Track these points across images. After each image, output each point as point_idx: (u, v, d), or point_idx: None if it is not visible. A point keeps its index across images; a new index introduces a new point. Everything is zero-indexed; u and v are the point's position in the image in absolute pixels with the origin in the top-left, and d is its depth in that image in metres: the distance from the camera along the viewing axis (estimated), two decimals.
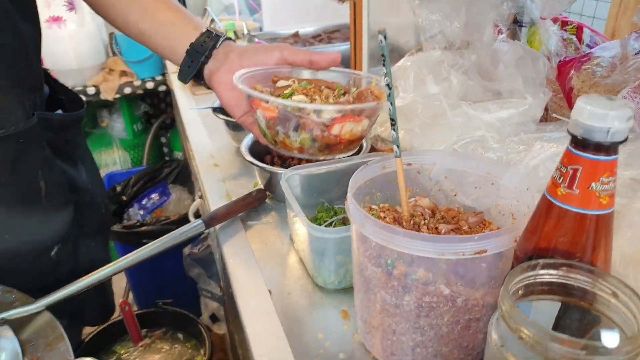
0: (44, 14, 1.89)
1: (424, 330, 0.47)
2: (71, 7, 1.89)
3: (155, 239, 1.74)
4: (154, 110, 2.38)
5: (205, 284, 1.69)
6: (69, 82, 1.91)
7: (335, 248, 0.63)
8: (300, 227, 0.74)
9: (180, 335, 1.58)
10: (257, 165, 0.84)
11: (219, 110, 1.06)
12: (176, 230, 0.75)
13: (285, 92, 0.67)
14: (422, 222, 0.54)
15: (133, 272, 1.85)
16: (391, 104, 0.52)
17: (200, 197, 1.08)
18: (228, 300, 0.93)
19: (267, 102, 0.61)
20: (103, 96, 1.89)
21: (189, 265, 1.68)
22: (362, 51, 0.95)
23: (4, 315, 0.57)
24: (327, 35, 1.69)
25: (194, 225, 0.76)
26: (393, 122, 0.53)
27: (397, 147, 0.53)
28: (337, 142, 0.62)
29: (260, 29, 1.95)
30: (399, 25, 1.37)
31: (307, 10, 1.79)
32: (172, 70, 1.65)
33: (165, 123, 2.40)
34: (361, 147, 0.87)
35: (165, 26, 0.74)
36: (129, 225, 1.66)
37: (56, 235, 0.72)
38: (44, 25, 1.91)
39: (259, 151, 0.90)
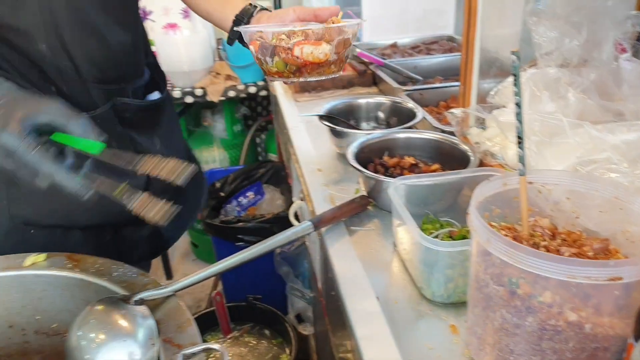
0: (161, 21, 2.06)
1: (545, 354, 0.46)
2: (186, 14, 2.04)
3: (250, 235, 1.82)
4: (252, 113, 2.50)
5: (293, 282, 1.75)
6: (179, 83, 2.06)
7: (446, 261, 0.63)
8: (406, 236, 0.75)
9: (267, 332, 1.64)
10: (362, 172, 0.87)
11: (325, 117, 1.10)
12: (288, 230, 0.79)
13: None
14: (542, 243, 0.54)
15: None
16: (519, 122, 0.52)
17: (302, 199, 1.12)
18: (326, 301, 0.96)
19: (254, 35, 0.78)
20: (209, 98, 2.01)
21: (279, 263, 1.75)
22: (472, 63, 0.94)
23: (142, 295, 0.63)
24: (426, 47, 1.69)
25: (304, 227, 0.80)
26: (520, 140, 0.53)
27: (523, 165, 0.53)
28: (303, 64, 0.75)
29: (358, 39, 1.98)
30: (503, 38, 1.34)
31: (407, 22, 1.80)
32: None
33: (260, 125, 2.51)
34: (469, 160, 0.87)
35: (221, 4, 0.92)
36: (226, 221, 1.76)
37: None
38: (160, 31, 2.08)
39: (363, 159, 0.93)
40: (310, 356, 1.68)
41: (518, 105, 0.51)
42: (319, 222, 0.82)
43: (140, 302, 0.63)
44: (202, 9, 0.98)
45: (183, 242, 2.68)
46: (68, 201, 0.88)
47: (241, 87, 2.06)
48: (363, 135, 0.96)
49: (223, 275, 2.00)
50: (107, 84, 0.87)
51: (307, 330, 1.64)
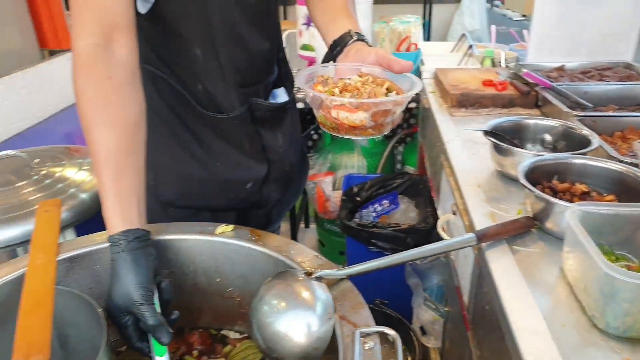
0: None
1: None
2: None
3: (384, 242, 1.85)
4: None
5: (419, 294, 1.75)
6: None
7: (627, 294, 0.61)
8: (579, 262, 0.73)
9: (391, 337, 1.66)
10: (534, 192, 0.85)
11: (490, 133, 1.09)
12: (450, 240, 0.80)
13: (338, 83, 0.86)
14: None
15: None
16: None
17: (454, 213, 1.13)
18: (473, 315, 0.95)
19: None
20: None
21: (409, 273, 1.76)
22: None
23: (320, 273, 0.70)
24: (599, 72, 1.59)
25: (467, 238, 0.81)
26: None
27: None
28: (340, 125, 0.80)
29: (518, 59, 1.92)
30: None
31: (579, 44, 1.71)
32: (430, 90, 1.74)
33: (400, 137, 2.54)
34: None
35: (330, 20, 1.01)
36: (362, 224, 1.81)
37: (252, 177, 1.07)
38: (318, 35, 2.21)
39: (530, 180, 0.91)
40: None
41: None
42: (482, 236, 0.83)
43: (319, 279, 0.69)
44: (317, 21, 1.07)
45: (310, 240, 2.80)
46: (202, 187, 1.03)
47: None
48: (534, 156, 0.94)
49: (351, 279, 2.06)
50: (245, 87, 0.99)
51: (430, 342, 1.63)
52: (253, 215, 1.14)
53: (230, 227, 0.85)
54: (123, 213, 0.74)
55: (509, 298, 0.72)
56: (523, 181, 0.87)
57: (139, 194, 0.76)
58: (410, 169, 2.39)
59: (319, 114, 0.83)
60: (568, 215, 0.73)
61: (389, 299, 1.75)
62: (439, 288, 1.68)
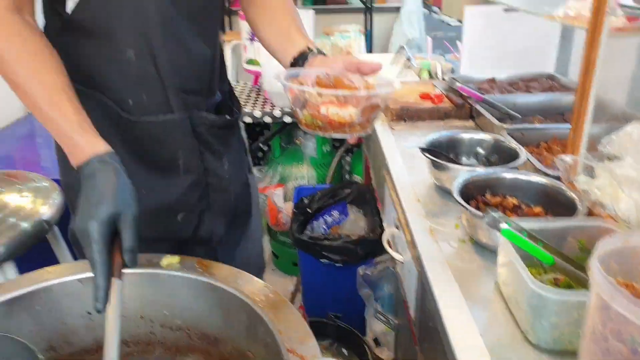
0: None
1: None
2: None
3: (336, 254, 1.87)
4: None
5: (373, 305, 1.78)
6: (279, 103, 2.18)
7: (554, 309, 0.65)
8: (511, 277, 0.78)
9: (344, 351, 1.69)
10: (468, 210, 0.90)
11: (426, 150, 1.14)
12: None
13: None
14: None
15: (308, 279, 2.02)
16: None
17: (397, 227, 1.17)
18: (419, 331, 0.99)
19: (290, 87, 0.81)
20: None
21: (360, 284, 1.80)
22: (586, 110, 0.95)
23: None
24: (525, 84, 1.69)
25: None
26: None
27: None
28: (328, 122, 0.78)
29: (453, 70, 2.01)
30: (618, 81, 1.32)
31: (505, 56, 1.80)
32: None
33: (347, 148, 2.58)
34: (575, 207, 0.87)
35: (283, 39, 1.00)
36: (314, 237, 1.83)
37: (185, 203, 0.99)
38: (266, 53, 2.22)
39: (465, 194, 0.95)
40: None
41: None
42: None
43: None
44: (264, 39, 1.05)
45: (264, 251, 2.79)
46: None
47: None
48: (467, 172, 0.99)
49: (304, 291, 2.08)
50: (186, 94, 0.93)
51: (384, 354, 1.67)
52: (195, 251, 0.97)
53: (177, 258, 0.84)
54: (86, 136, 0.76)
55: (448, 315, 0.75)
56: (457, 198, 0.92)
57: (86, 117, 0.79)
58: (357, 178, 2.44)
59: (303, 113, 0.81)
60: (498, 234, 0.77)
61: (342, 311, 1.78)
62: (390, 297, 1.72)
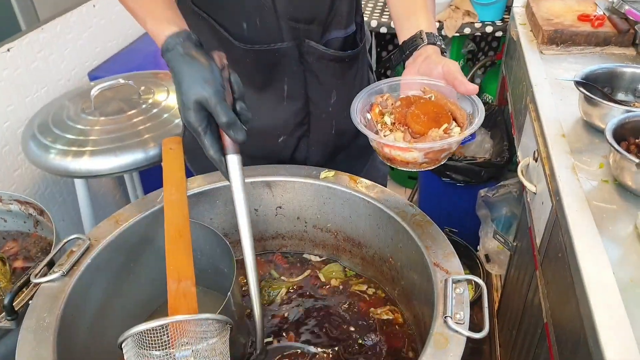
0: None
1: None
2: None
3: (458, 174, 1.91)
4: (477, 50, 2.47)
5: (488, 225, 1.83)
6: None
7: None
8: None
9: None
10: (619, 152, 0.88)
11: (581, 84, 1.10)
12: None
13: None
14: None
15: (427, 194, 2.10)
16: None
17: (535, 159, 1.17)
18: (543, 258, 1.04)
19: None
20: (445, 32, 2.04)
21: (480, 205, 1.84)
22: None
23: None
24: None
25: None
26: None
27: None
28: (393, 159, 0.77)
29: None
30: None
31: None
32: (520, 22, 1.69)
33: (484, 65, 2.48)
34: None
35: (404, 14, 0.93)
36: None
37: (285, 127, 1.03)
38: None
39: (617, 135, 0.93)
40: (491, 294, 1.80)
41: None
42: None
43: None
44: (391, 9, 0.97)
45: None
46: None
47: (478, 25, 2.04)
48: (625, 112, 0.96)
49: (421, 204, 2.16)
50: (297, 22, 0.92)
51: (494, 270, 1.74)
52: None
53: (332, 172, 0.96)
54: (171, 18, 0.77)
55: (581, 249, 0.79)
56: (610, 139, 0.90)
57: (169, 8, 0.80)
58: (489, 97, 2.36)
59: (373, 143, 0.79)
60: None
61: (457, 228, 1.85)
62: (507, 219, 1.75)
